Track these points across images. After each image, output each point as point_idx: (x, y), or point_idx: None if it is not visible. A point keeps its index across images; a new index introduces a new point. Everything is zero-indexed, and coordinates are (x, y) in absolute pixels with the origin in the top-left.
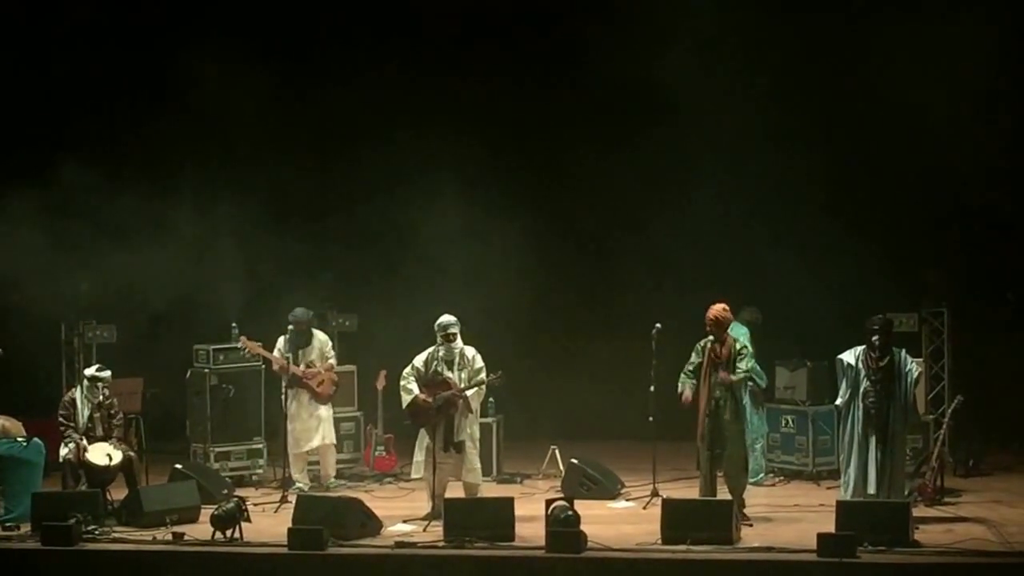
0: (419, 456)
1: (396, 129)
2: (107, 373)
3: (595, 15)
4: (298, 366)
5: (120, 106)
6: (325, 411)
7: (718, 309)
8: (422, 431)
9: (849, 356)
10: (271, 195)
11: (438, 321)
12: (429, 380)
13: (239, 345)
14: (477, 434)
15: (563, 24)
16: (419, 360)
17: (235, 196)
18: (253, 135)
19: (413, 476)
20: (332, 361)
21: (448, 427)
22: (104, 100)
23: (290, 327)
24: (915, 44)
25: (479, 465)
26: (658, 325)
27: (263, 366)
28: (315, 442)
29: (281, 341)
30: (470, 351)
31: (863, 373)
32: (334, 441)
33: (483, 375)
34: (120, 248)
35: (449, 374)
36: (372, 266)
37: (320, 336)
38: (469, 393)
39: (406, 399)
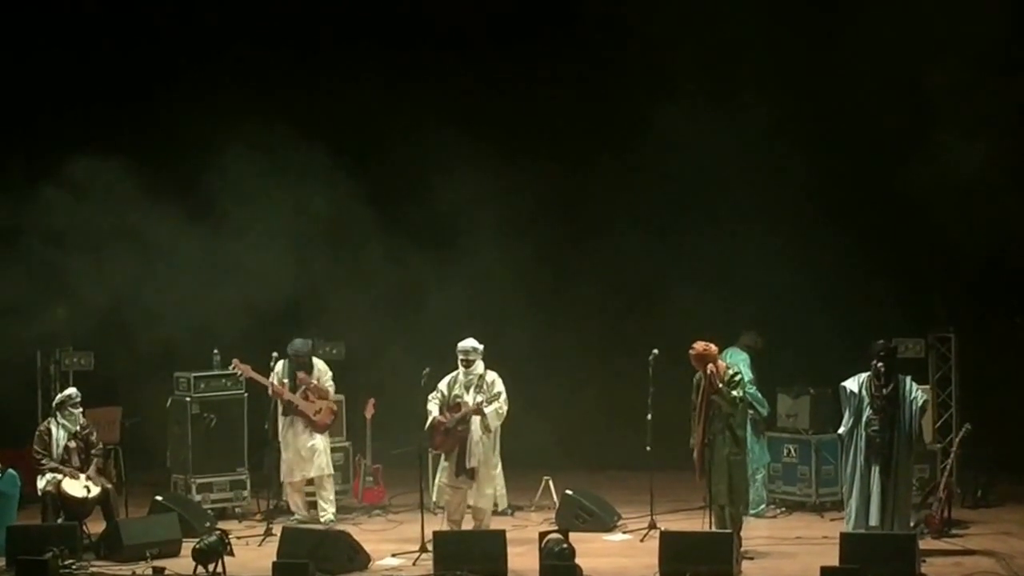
0: (441, 480)
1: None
2: (72, 390)
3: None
4: (294, 393)
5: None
6: (321, 441)
7: (697, 347)
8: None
9: (852, 383)
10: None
11: (458, 345)
12: (450, 404)
13: (231, 368)
14: (496, 460)
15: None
16: (443, 384)
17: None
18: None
19: (434, 500)
20: (330, 389)
21: (461, 452)
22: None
23: (289, 357)
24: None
25: (491, 491)
26: (655, 351)
27: (246, 394)
28: (311, 472)
29: (280, 365)
30: (491, 376)
31: (866, 401)
32: (332, 472)
33: (501, 396)
34: (99, 271)
35: (467, 398)
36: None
37: (320, 365)
38: (487, 410)
39: (428, 421)
